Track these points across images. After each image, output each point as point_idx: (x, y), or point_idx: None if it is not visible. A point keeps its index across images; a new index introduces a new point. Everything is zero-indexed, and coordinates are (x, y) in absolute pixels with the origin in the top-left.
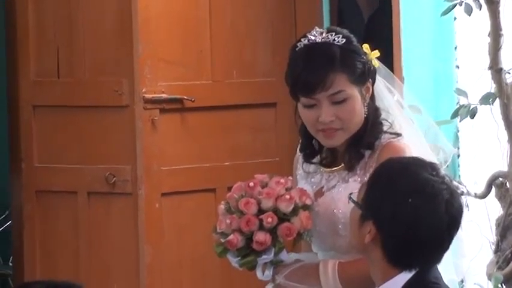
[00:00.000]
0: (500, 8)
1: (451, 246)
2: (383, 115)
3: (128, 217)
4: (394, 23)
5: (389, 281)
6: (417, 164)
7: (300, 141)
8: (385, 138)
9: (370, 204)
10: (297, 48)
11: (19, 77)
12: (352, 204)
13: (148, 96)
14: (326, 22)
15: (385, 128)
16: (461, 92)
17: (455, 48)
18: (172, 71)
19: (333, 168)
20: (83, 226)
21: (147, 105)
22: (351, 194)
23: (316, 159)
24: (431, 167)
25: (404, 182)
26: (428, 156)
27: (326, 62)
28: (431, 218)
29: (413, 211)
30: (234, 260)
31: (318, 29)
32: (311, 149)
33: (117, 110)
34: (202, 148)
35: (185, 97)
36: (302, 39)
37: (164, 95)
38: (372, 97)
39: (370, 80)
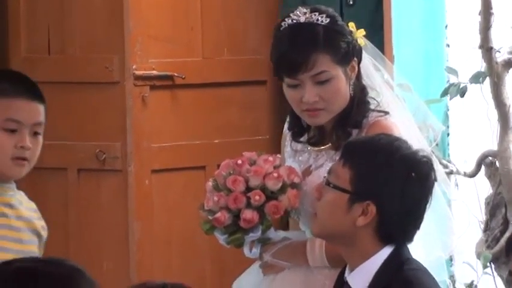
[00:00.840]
0: None
1: (439, 224)
2: (370, 93)
3: (117, 194)
4: (384, 1)
5: (373, 256)
6: (400, 140)
7: (288, 119)
8: (372, 116)
9: (369, 186)
10: (281, 28)
11: (9, 53)
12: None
13: (139, 73)
14: None
15: (372, 107)
16: (451, 71)
17: (446, 26)
18: (163, 48)
19: (321, 147)
20: (73, 203)
21: (138, 81)
22: (328, 181)
23: (304, 138)
24: (406, 142)
25: (401, 159)
26: (417, 134)
27: (309, 42)
28: (426, 193)
29: (418, 186)
30: (221, 238)
31: (301, 8)
32: (299, 128)
33: (108, 87)
34: (193, 125)
35: (175, 74)
36: (286, 19)
37: (154, 72)
38: (358, 76)
39: (355, 59)
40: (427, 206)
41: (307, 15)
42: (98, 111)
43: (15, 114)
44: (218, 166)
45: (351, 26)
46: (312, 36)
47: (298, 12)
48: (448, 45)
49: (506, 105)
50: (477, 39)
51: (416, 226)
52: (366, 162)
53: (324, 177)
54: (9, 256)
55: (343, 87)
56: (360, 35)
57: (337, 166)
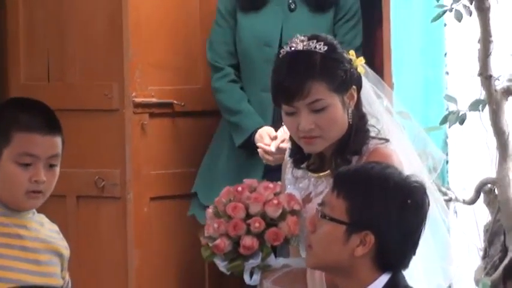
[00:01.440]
0: (490, 15)
1: (439, 252)
2: (371, 121)
3: (116, 221)
4: (384, 28)
5: (370, 285)
6: (391, 167)
7: (290, 146)
8: (372, 143)
9: (366, 216)
10: (280, 56)
11: (9, 80)
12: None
13: (138, 100)
14: None
15: (373, 134)
16: (450, 99)
17: (445, 54)
18: (163, 76)
19: (320, 174)
20: (71, 230)
21: (137, 109)
22: (323, 213)
23: (304, 164)
24: (396, 169)
25: (396, 187)
26: (417, 161)
27: (305, 70)
28: (422, 218)
29: (414, 212)
30: (221, 264)
31: (299, 36)
32: (300, 155)
33: (107, 114)
34: (192, 153)
35: (175, 101)
36: (285, 47)
37: (154, 99)
38: (358, 103)
39: (354, 87)
40: (423, 231)
41: (304, 43)
42: (97, 139)
43: (31, 148)
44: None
45: (351, 54)
46: (309, 63)
47: (296, 40)
48: (447, 73)
49: (505, 132)
50: (476, 67)
51: (413, 252)
52: (360, 191)
53: (317, 209)
54: (24, 276)
55: (340, 115)
56: (359, 63)
57: (331, 197)
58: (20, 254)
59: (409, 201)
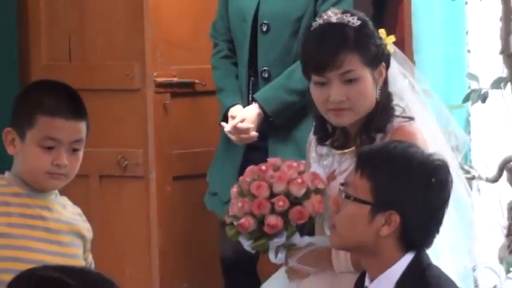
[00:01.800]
0: None
1: (464, 231)
2: (396, 100)
3: (139, 200)
4: (404, 6)
5: (395, 265)
6: (414, 146)
7: (314, 123)
8: (397, 121)
9: (390, 195)
10: (312, 28)
11: (31, 61)
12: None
13: (160, 80)
14: None
15: (397, 113)
16: (472, 77)
17: (467, 32)
18: (184, 55)
19: (345, 151)
20: (94, 209)
21: (159, 89)
22: (346, 194)
23: (328, 141)
24: (419, 147)
25: (419, 166)
26: (441, 141)
27: (338, 41)
28: (446, 197)
29: (438, 190)
30: (246, 243)
31: (334, 9)
32: (324, 132)
33: (129, 94)
34: (213, 132)
35: (196, 81)
36: (317, 19)
37: (175, 79)
38: (385, 82)
39: (383, 64)
40: (447, 209)
41: (338, 16)
42: (119, 119)
43: (54, 133)
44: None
45: (381, 32)
46: (342, 35)
47: (330, 13)
48: (469, 51)
49: None
50: (498, 45)
51: (437, 231)
52: (385, 171)
53: (340, 189)
54: (47, 257)
55: (370, 90)
56: (389, 41)
57: (354, 177)
58: (43, 235)
59: (433, 179)
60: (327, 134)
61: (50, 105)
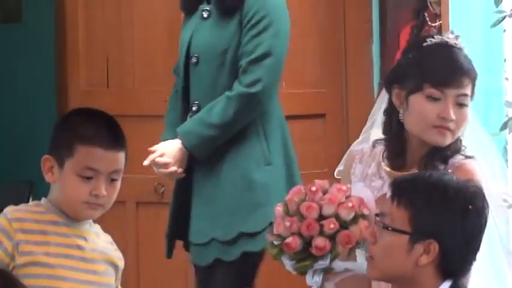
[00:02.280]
0: None
1: (497, 261)
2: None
3: None
4: (443, 34)
5: None
6: (447, 175)
7: (388, 139)
8: (457, 158)
9: (429, 224)
10: (431, 43)
11: (69, 86)
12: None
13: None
14: (376, 35)
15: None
16: (510, 105)
17: (505, 60)
18: None
19: (403, 172)
20: (131, 235)
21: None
22: (384, 224)
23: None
24: (452, 175)
25: (457, 193)
26: (493, 177)
27: (468, 64)
28: (483, 223)
29: (476, 218)
30: (288, 263)
31: (454, 33)
32: (399, 149)
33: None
34: None
35: None
36: (433, 39)
37: None
38: None
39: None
40: (483, 236)
41: (458, 41)
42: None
43: (93, 163)
44: None
45: None
46: (469, 60)
47: (449, 36)
48: (506, 79)
49: None
50: None
51: (474, 258)
52: (422, 200)
53: (376, 220)
54: (83, 287)
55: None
56: None
57: (391, 207)
58: (80, 265)
59: (470, 206)
60: (401, 152)
61: (88, 134)
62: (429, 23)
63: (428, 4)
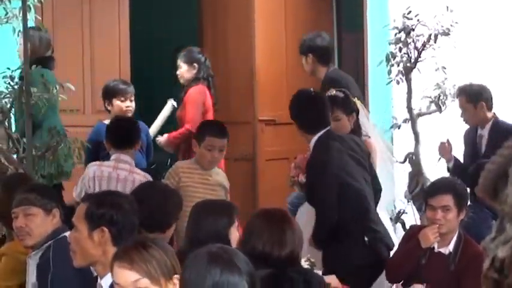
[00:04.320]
0: None
1: None
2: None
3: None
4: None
5: None
6: None
7: None
8: (363, 137)
9: None
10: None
11: None
12: None
13: (262, 118)
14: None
15: (364, 133)
16: (394, 118)
17: (392, 98)
18: (274, 109)
19: None
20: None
21: (262, 123)
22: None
23: None
24: None
25: None
26: (384, 148)
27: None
28: None
29: None
30: (297, 188)
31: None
32: None
33: (245, 125)
34: (291, 149)
35: (276, 119)
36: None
37: (266, 117)
38: (357, 120)
39: (354, 113)
40: None
41: (332, 91)
42: (240, 136)
43: (212, 144)
44: None
45: (354, 98)
46: (336, 99)
47: (330, 91)
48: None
49: None
50: None
51: None
52: None
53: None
54: (207, 196)
55: (345, 126)
56: (357, 101)
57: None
58: (206, 187)
59: None
60: None
61: (210, 130)
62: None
63: None
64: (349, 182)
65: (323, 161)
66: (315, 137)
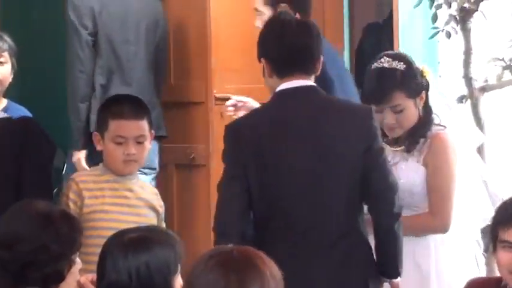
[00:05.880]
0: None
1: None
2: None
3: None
4: (394, 42)
5: None
6: None
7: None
8: (434, 129)
9: None
10: (371, 68)
11: None
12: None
13: (218, 95)
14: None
15: (437, 121)
16: (442, 94)
17: (439, 63)
18: (236, 77)
19: (396, 149)
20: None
21: (217, 102)
22: None
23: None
24: None
25: None
26: (461, 137)
27: (389, 83)
28: None
29: None
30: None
31: (386, 57)
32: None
33: (196, 106)
34: None
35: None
36: (375, 63)
37: (229, 95)
38: (426, 101)
39: (423, 91)
40: None
41: (390, 62)
42: (189, 123)
43: (122, 132)
44: None
45: (422, 67)
46: (392, 78)
47: (383, 60)
48: (440, 76)
49: None
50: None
51: None
52: None
53: None
54: (129, 225)
55: (412, 113)
56: (427, 75)
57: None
58: (125, 209)
59: None
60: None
61: (120, 111)
62: None
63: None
64: None
65: None
66: None
